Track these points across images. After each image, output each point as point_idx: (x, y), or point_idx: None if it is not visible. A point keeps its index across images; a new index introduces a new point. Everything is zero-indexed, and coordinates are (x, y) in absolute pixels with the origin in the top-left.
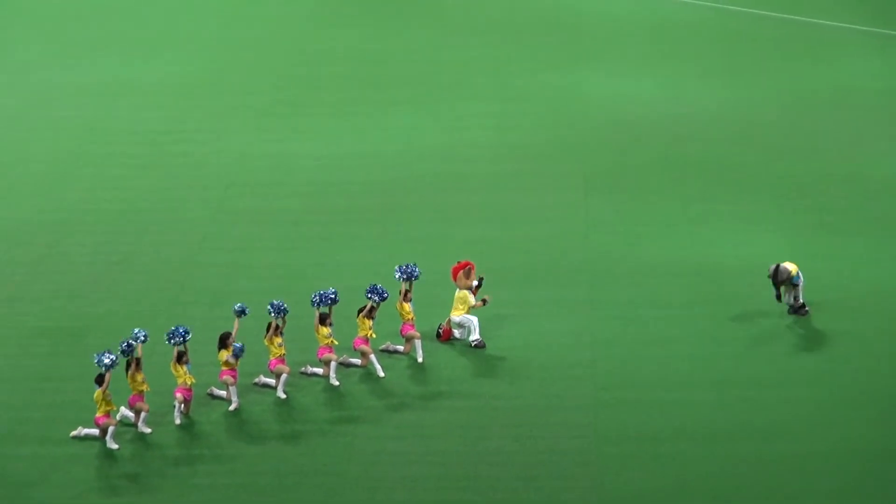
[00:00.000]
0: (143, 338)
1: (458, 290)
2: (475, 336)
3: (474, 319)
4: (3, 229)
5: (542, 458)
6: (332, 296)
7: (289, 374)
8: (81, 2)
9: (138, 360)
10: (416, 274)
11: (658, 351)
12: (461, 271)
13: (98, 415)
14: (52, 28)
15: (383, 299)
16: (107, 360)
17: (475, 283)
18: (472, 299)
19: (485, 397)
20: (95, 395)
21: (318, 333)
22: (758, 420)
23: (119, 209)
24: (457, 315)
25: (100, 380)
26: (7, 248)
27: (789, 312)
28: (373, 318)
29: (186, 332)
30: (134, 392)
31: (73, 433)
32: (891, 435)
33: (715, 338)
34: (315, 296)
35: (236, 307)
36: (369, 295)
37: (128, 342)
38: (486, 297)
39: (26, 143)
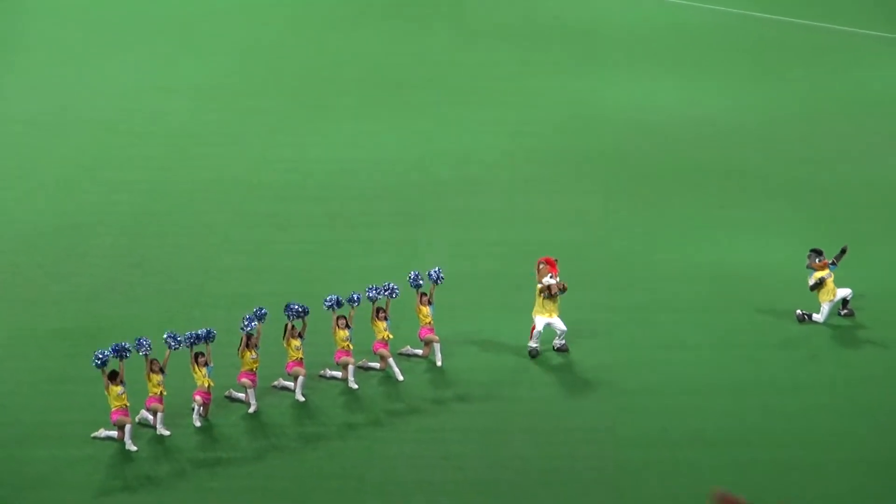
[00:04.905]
0: (146, 348)
1: None
2: (532, 342)
3: (537, 324)
4: (22, 232)
5: (560, 462)
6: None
7: (305, 376)
8: (101, 5)
9: (153, 362)
10: (420, 282)
11: (676, 356)
12: (538, 266)
13: (112, 410)
14: (71, 31)
15: (379, 298)
16: (95, 360)
17: (549, 282)
18: (539, 299)
19: (503, 401)
20: (108, 391)
21: (336, 336)
22: (775, 427)
23: (138, 211)
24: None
25: (112, 376)
26: (26, 250)
27: (841, 313)
28: (383, 320)
29: (208, 335)
30: (150, 394)
31: (94, 434)
32: None
33: (733, 343)
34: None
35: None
36: (369, 296)
37: (124, 347)
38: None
39: (45, 146)
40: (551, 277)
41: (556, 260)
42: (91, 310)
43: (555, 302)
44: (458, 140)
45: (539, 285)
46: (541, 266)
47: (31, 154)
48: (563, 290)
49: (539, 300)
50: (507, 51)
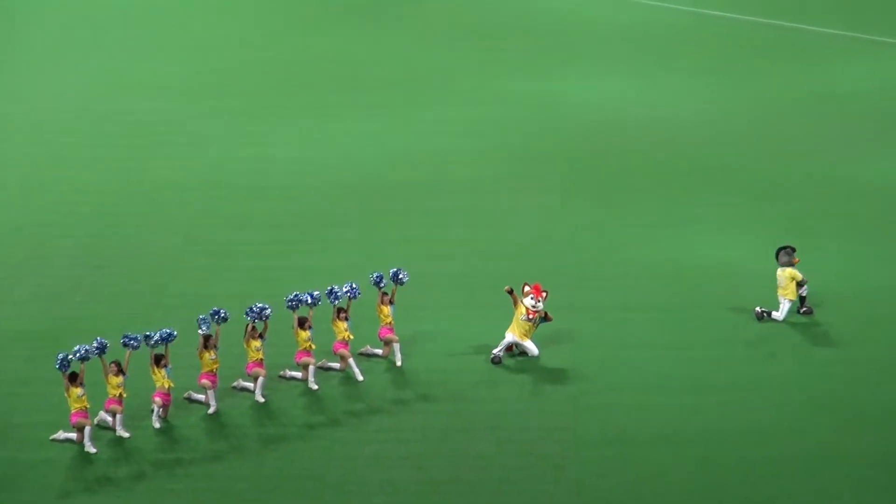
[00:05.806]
0: (95, 350)
1: None
2: (496, 350)
3: (507, 337)
4: None
5: (521, 461)
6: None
7: (265, 377)
8: (63, 5)
9: (114, 363)
10: (381, 282)
11: (637, 354)
12: (523, 288)
13: (71, 412)
14: (32, 31)
15: (338, 299)
16: (58, 363)
17: (527, 301)
18: (516, 319)
19: (464, 400)
20: (68, 393)
21: (297, 337)
22: (735, 424)
23: (100, 212)
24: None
25: (72, 377)
26: None
27: (799, 311)
28: (344, 320)
29: (169, 336)
30: (109, 395)
31: (53, 436)
32: (865, 439)
33: (693, 341)
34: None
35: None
36: (329, 299)
37: (87, 351)
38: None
39: (6, 146)
40: (532, 298)
41: (546, 292)
42: (53, 311)
43: (533, 326)
44: (422, 140)
45: (521, 305)
46: (525, 289)
47: None
48: (544, 318)
49: (516, 320)
50: (466, 51)
